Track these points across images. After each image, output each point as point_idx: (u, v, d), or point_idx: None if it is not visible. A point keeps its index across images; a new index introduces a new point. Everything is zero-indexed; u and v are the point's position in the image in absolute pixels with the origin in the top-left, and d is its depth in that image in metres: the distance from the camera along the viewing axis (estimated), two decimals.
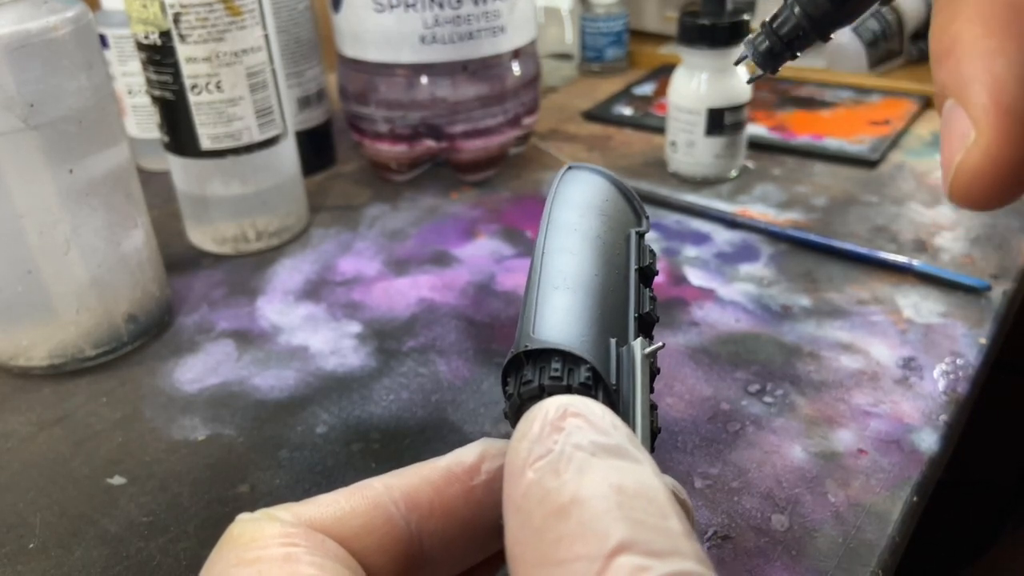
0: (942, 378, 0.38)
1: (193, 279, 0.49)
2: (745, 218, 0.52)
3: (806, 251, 0.49)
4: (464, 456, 0.19)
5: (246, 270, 0.50)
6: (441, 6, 0.52)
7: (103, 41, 0.58)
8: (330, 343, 0.43)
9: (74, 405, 0.39)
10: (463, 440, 0.36)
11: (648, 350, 0.19)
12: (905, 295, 0.44)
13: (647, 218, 0.25)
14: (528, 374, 0.18)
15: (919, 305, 0.43)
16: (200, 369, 0.41)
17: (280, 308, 0.46)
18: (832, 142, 0.62)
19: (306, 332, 0.44)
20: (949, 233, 0.50)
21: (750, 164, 0.60)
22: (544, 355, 0.18)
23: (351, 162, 0.64)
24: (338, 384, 0.40)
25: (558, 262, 0.21)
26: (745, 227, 0.51)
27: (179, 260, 0.51)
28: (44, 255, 0.38)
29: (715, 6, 0.55)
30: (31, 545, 0.32)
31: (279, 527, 0.16)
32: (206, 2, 0.44)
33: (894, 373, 0.38)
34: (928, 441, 0.34)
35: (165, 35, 0.45)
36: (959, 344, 0.40)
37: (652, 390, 0.19)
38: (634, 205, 0.25)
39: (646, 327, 0.21)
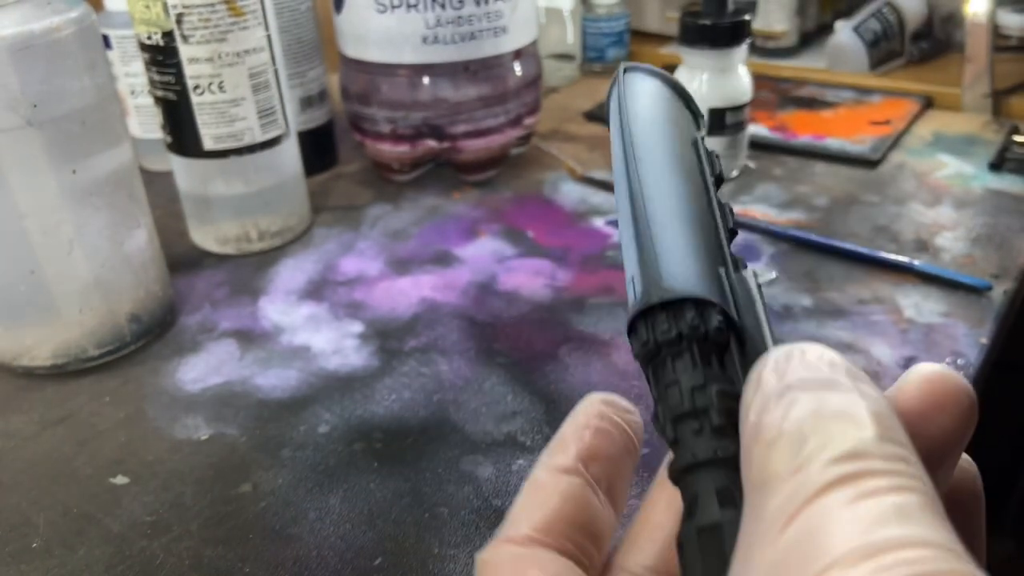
0: None
1: (196, 279, 0.49)
2: (746, 218, 0.52)
3: (807, 251, 0.49)
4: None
5: (248, 270, 0.50)
6: (443, 7, 0.52)
7: (106, 42, 0.58)
8: (332, 343, 0.43)
9: (77, 405, 0.39)
10: (464, 439, 0.36)
11: (762, 281, 0.19)
12: (906, 295, 0.44)
13: (703, 118, 0.24)
14: (664, 323, 0.18)
15: (920, 305, 0.43)
16: (203, 369, 0.41)
17: (282, 308, 0.46)
18: (833, 142, 0.62)
19: (308, 332, 0.44)
20: (950, 233, 0.50)
21: (751, 164, 0.60)
22: (675, 301, 0.18)
23: (353, 162, 0.64)
24: (340, 384, 0.40)
25: (655, 192, 0.20)
26: (746, 227, 0.51)
27: (182, 260, 0.51)
28: (47, 255, 0.38)
29: (716, 7, 0.55)
30: (34, 544, 0.32)
31: (510, 559, 0.18)
32: (208, 3, 0.44)
33: (895, 373, 0.38)
34: None
35: (168, 36, 0.45)
36: (960, 344, 0.40)
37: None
38: (691, 107, 0.24)
39: (732, 239, 0.21)
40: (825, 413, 0.14)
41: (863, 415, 0.13)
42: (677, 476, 0.17)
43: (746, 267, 0.19)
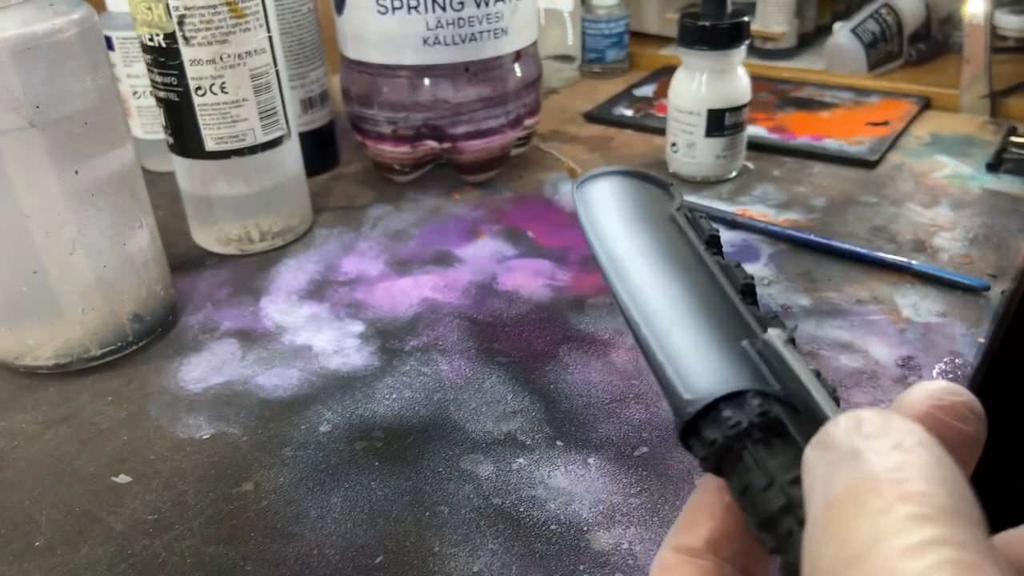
0: (941, 377, 0.38)
1: (197, 279, 0.49)
2: (745, 218, 0.52)
3: (805, 251, 0.49)
4: None
5: (250, 270, 0.50)
6: (443, 8, 0.52)
7: (108, 43, 0.59)
8: (333, 342, 0.43)
9: (80, 404, 0.40)
10: (465, 438, 0.36)
11: (785, 338, 0.18)
12: (904, 295, 0.44)
13: (672, 186, 0.24)
14: (710, 433, 0.17)
15: (918, 305, 0.43)
16: (204, 368, 0.42)
17: (284, 308, 0.46)
18: (831, 143, 0.63)
19: (310, 331, 0.44)
20: (948, 233, 0.50)
21: (750, 165, 0.60)
22: (709, 408, 0.18)
23: (354, 163, 0.65)
24: (341, 383, 0.40)
25: (644, 301, 0.20)
26: (745, 227, 0.52)
27: (184, 260, 0.51)
28: (50, 255, 0.39)
29: (715, 8, 0.55)
30: (37, 543, 0.32)
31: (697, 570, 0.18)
32: (210, 4, 0.44)
33: (893, 372, 0.39)
34: None
35: (170, 37, 0.45)
36: (958, 343, 0.40)
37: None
38: (659, 184, 0.24)
39: (750, 294, 0.20)
40: (882, 500, 0.13)
41: (928, 496, 0.13)
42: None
43: (775, 317, 0.19)
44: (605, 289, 0.46)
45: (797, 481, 0.15)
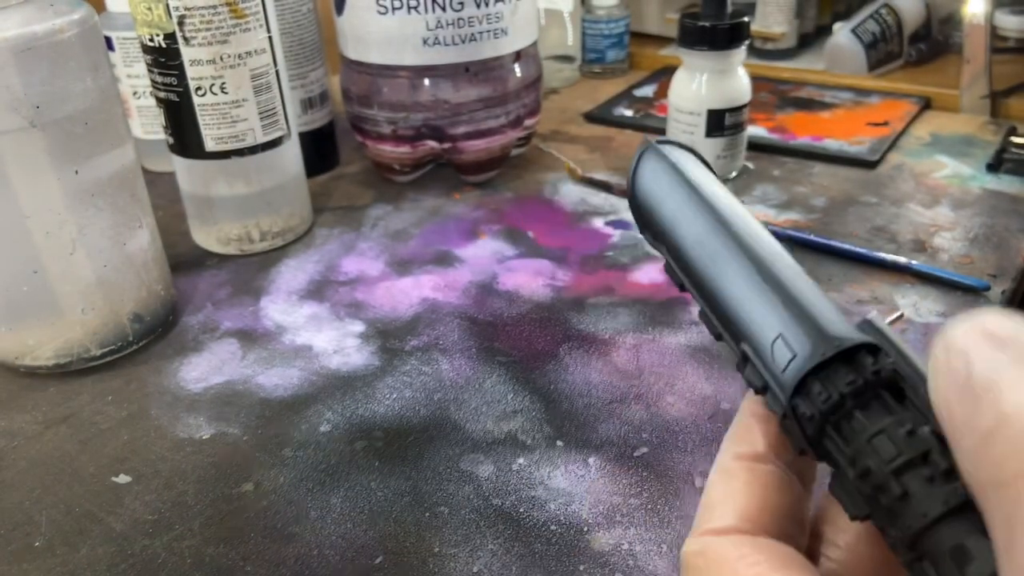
0: None
1: (198, 279, 0.49)
2: None
3: (806, 251, 0.49)
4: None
5: (250, 270, 0.50)
6: (443, 8, 0.52)
7: (109, 43, 0.59)
8: (334, 342, 0.43)
9: (80, 404, 0.40)
10: (465, 438, 0.36)
11: (891, 320, 0.18)
12: (904, 295, 0.44)
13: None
14: (845, 375, 0.17)
15: (918, 305, 0.43)
16: (205, 368, 0.42)
17: (284, 308, 0.46)
18: (831, 143, 0.63)
19: (310, 331, 0.44)
20: (948, 233, 0.50)
21: (750, 165, 0.60)
22: (841, 353, 0.17)
23: (354, 163, 0.65)
24: (342, 383, 0.40)
25: (768, 252, 0.20)
26: None
27: (184, 260, 0.51)
28: (50, 255, 0.39)
29: (715, 8, 0.55)
30: (37, 543, 0.32)
31: (733, 548, 0.17)
32: (210, 5, 0.44)
33: None
34: None
35: (170, 37, 0.45)
36: None
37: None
38: (712, 170, 0.25)
39: None
40: None
41: None
42: (915, 538, 0.15)
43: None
44: (605, 287, 0.46)
45: (913, 433, 0.15)
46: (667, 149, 0.24)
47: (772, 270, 0.19)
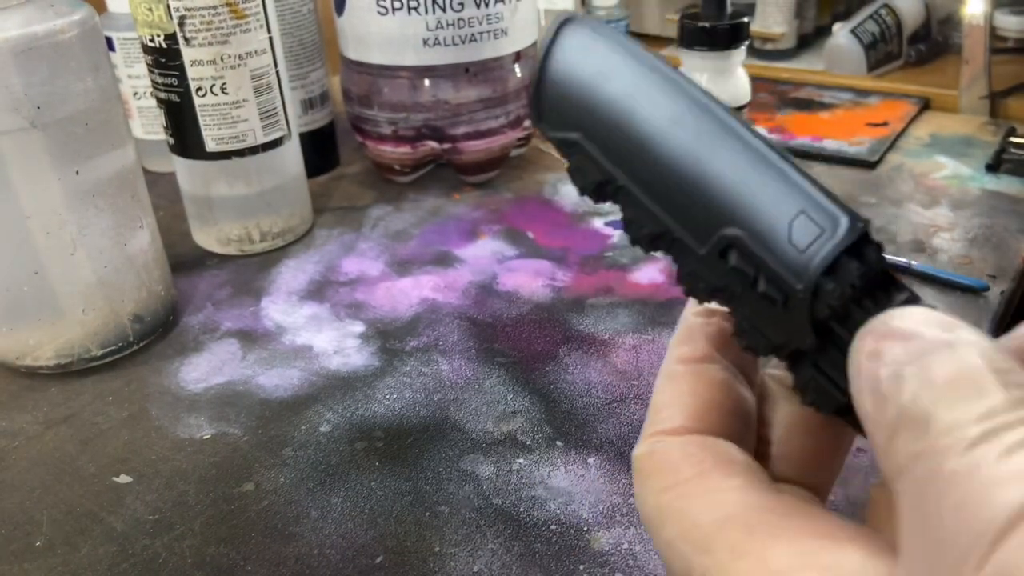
0: None
1: (198, 279, 0.50)
2: None
3: None
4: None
5: (250, 270, 0.50)
6: (444, 9, 0.53)
7: (109, 44, 0.59)
8: (334, 343, 0.43)
9: (80, 404, 0.40)
10: (465, 438, 0.36)
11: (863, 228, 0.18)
12: None
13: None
14: (872, 253, 0.16)
15: None
16: (205, 368, 0.42)
17: (284, 308, 0.46)
18: (831, 143, 0.63)
19: (310, 332, 0.44)
20: (947, 234, 0.50)
21: None
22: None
23: (354, 164, 0.65)
24: (342, 383, 0.40)
25: (756, 129, 0.18)
26: None
27: (184, 261, 0.51)
28: (51, 256, 0.39)
29: (715, 9, 0.55)
30: (38, 543, 0.32)
31: (679, 447, 0.17)
32: (211, 5, 0.44)
33: None
34: None
35: (170, 38, 0.45)
36: None
37: None
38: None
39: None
40: (938, 382, 0.13)
41: (979, 374, 0.13)
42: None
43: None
44: (605, 288, 0.46)
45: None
46: (592, 22, 0.20)
47: (779, 147, 0.18)
